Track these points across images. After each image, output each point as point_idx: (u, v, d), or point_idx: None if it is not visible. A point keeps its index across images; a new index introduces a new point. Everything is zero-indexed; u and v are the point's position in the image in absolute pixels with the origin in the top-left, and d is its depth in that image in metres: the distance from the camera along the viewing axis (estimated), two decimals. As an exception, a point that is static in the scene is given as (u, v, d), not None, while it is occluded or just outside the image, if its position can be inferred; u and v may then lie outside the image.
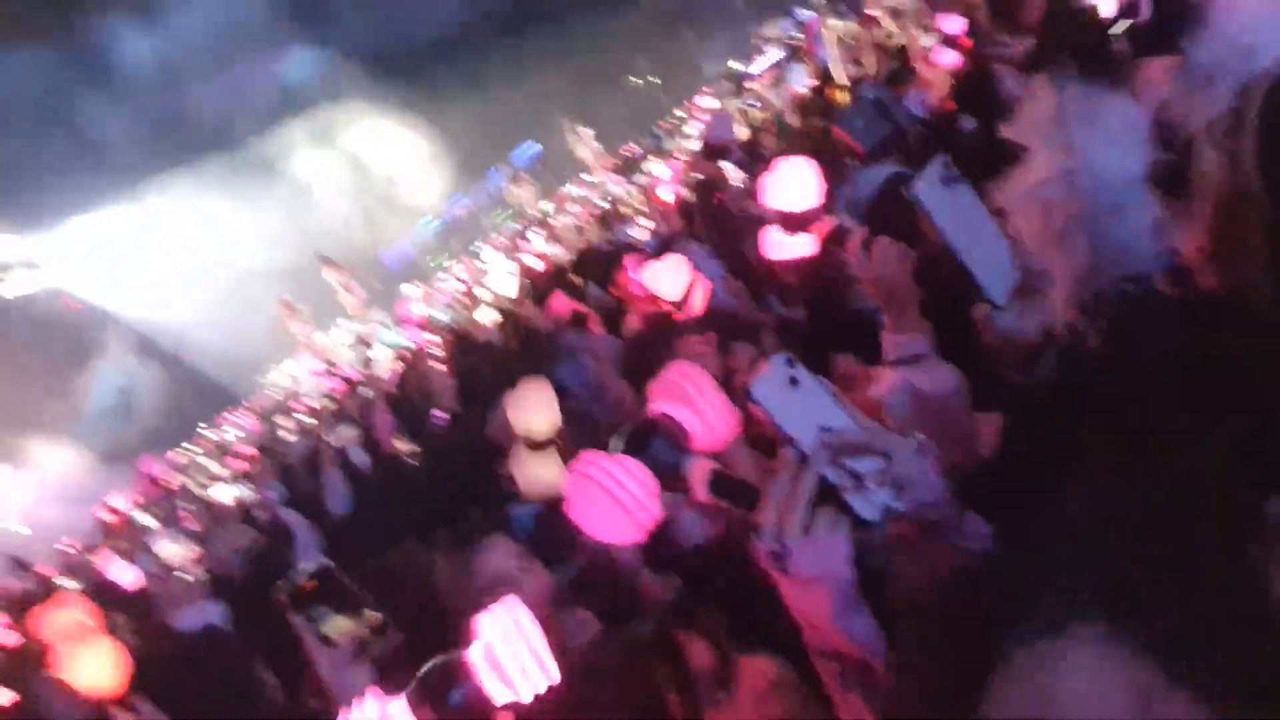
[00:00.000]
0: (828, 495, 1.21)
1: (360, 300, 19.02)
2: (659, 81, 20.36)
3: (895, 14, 8.08)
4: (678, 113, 18.25)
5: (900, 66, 6.11)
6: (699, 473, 1.33)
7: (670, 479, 1.35)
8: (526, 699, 1.42)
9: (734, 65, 16.53)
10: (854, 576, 1.24)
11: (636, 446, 1.37)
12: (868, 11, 9.18)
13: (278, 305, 18.92)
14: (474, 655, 1.41)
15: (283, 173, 24.45)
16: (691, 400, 1.34)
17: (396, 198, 25.00)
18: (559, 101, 21.26)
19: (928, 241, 1.66)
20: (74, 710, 2.95)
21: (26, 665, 3.73)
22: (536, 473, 2.62)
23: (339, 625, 2.24)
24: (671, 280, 3.32)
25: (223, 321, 21.80)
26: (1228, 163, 1.42)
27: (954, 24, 4.72)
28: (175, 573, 3.24)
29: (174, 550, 3.21)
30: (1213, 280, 1.73)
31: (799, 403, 1.25)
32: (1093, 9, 2.44)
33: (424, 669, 2.08)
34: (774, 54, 13.27)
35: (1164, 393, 1.58)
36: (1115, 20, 2.40)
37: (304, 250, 20.82)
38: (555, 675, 1.43)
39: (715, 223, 4.72)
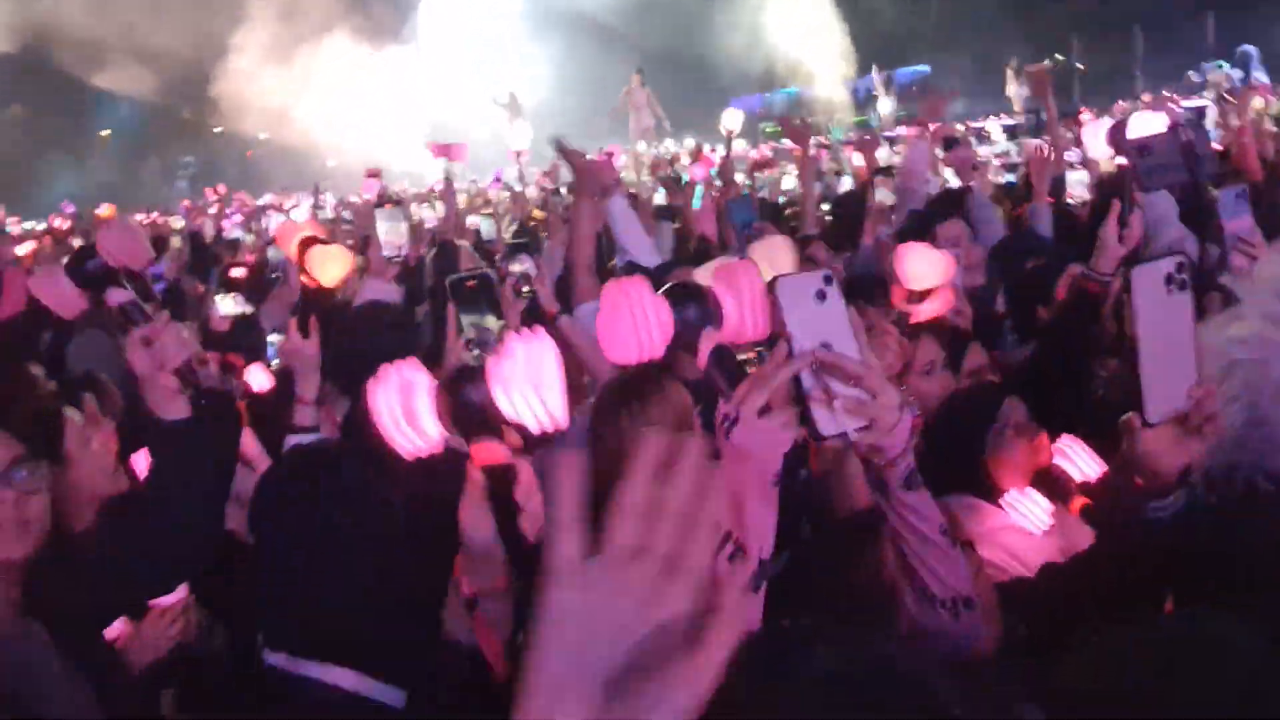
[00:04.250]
0: (800, 399, 1.30)
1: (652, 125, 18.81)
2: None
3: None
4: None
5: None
6: (706, 341, 1.45)
7: (682, 336, 1.48)
8: (532, 428, 1.56)
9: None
10: (778, 474, 1.34)
11: (674, 298, 1.50)
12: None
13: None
14: (495, 365, 1.56)
15: None
16: (741, 294, 1.45)
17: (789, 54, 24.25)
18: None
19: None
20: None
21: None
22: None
23: (488, 322, 2.60)
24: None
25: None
26: None
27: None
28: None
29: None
30: None
31: (816, 314, 1.31)
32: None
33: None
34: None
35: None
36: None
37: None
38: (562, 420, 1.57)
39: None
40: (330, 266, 3.77)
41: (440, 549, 1.66)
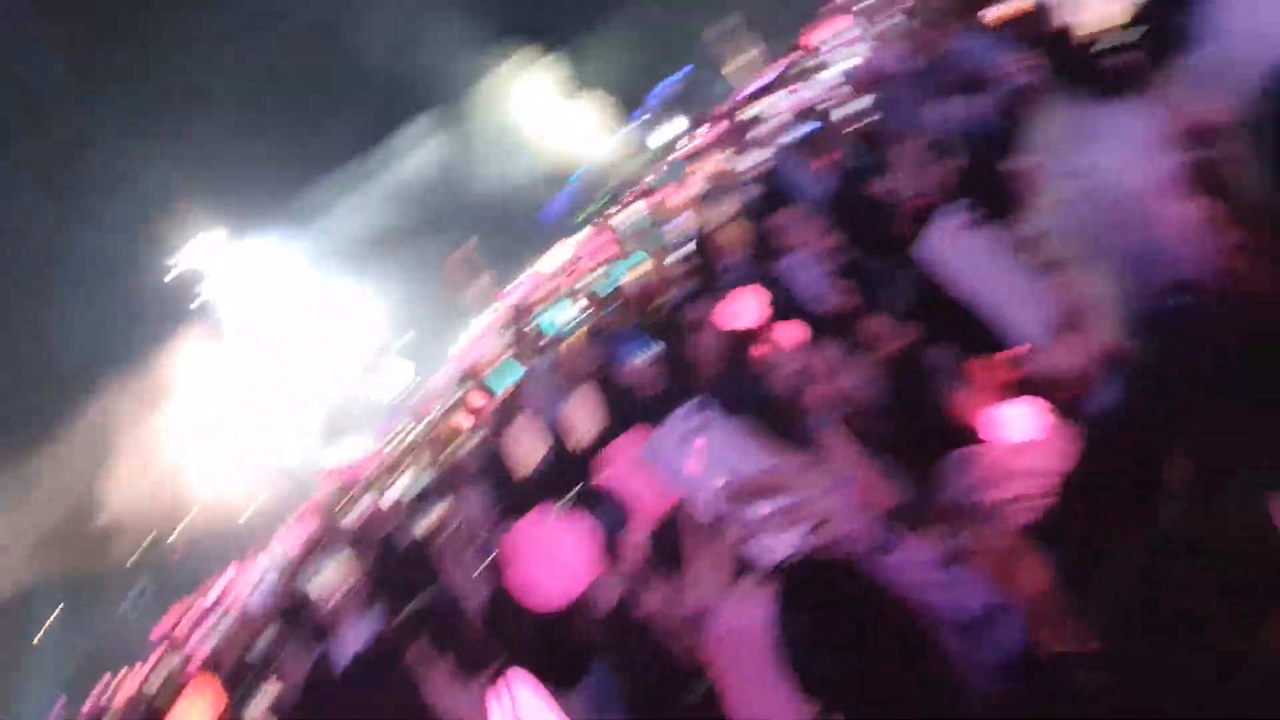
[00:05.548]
0: (735, 540, 1.23)
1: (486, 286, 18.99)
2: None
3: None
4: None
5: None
6: (634, 539, 1.38)
7: (609, 543, 1.41)
8: None
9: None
10: (769, 638, 1.25)
11: (584, 508, 1.43)
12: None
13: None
14: None
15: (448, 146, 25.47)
16: (633, 473, 1.38)
17: (548, 153, 25.41)
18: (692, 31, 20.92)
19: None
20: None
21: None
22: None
23: None
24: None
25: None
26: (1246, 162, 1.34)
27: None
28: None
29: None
30: (1259, 275, 1.63)
31: (705, 448, 1.26)
32: (1085, 26, 2.22)
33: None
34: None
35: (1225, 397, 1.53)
36: (1111, 33, 2.16)
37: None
38: None
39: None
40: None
41: None
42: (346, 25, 23.90)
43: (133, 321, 21.44)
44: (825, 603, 1.81)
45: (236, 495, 21.11)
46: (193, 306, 22.71)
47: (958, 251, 1.47)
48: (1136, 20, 1.59)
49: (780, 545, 1.23)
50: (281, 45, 23.80)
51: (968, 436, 2.39)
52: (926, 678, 1.45)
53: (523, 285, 16.90)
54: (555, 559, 1.38)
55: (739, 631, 1.24)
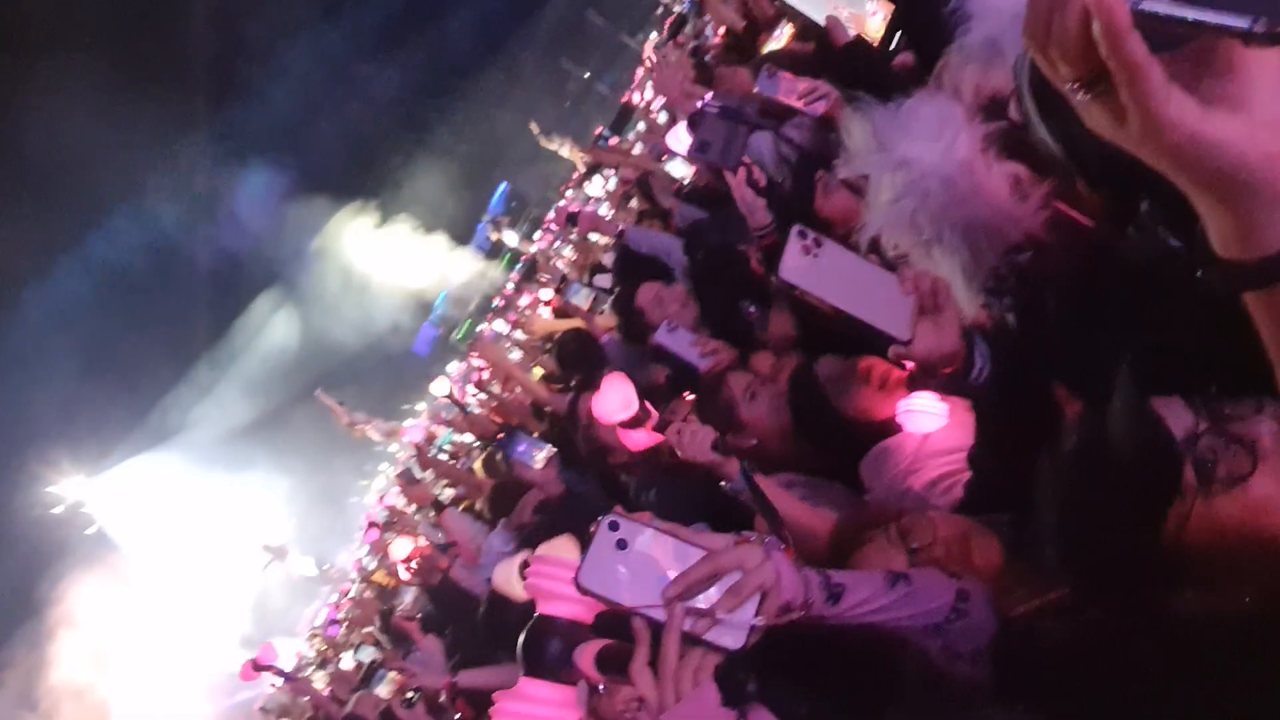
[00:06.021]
0: (690, 643, 1.20)
1: (389, 427, 18.78)
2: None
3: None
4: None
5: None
6: (586, 659, 1.32)
7: (568, 674, 1.33)
8: None
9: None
10: (734, 716, 1.22)
11: (533, 660, 1.35)
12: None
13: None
14: None
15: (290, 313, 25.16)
16: (558, 592, 1.32)
17: (402, 292, 25.35)
18: (508, 138, 21.56)
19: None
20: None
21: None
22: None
23: None
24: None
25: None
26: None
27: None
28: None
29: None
30: (1088, 215, 1.73)
31: (633, 563, 1.23)
32: (864, 38, 2.41)
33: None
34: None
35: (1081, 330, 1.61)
36: (889, 37, 2.35)
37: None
38: None
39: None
40: None
41: None
42: (159, 231, 23.55)
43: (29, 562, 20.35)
44: (795, 657, 1.79)
45: None
46: (87, 532, 21.54)
47: (812, 268, 1.50)
48: (898, 24, 1.69)
49: (736, 628, 1.21)
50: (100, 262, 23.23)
51: (878, 434, 2.43)
52: (916, 689, 1.45)
53: (420, 419, 16.62)
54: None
55: None
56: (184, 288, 24.52)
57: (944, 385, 1.61)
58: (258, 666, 5.09)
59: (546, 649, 1.35)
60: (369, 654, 7.44)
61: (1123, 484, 1.10)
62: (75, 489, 21.85)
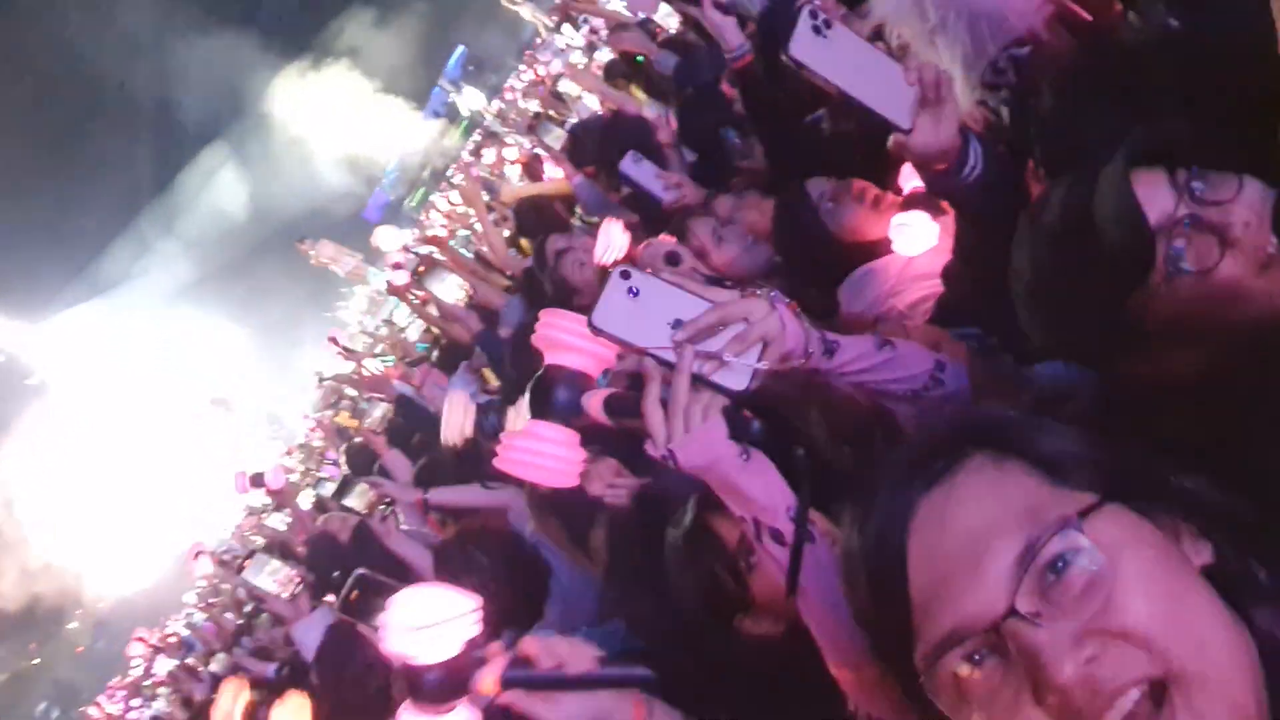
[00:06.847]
0: (697, 383, 1.28)
1: (356, 263, 18.76)
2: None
3: None
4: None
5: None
6: (594, 404, 1.39)
7: (578, 419, 1.42)
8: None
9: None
10: (741, 449, 1.31)
11: (541, 404, 1.43)
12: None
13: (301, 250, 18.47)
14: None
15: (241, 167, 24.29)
16: (567, 342, 1.38)
17: (353, 156, 24.54)
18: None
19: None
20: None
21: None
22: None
23: None
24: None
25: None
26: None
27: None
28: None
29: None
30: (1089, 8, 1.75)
31: (643, 310, 1.29)
32: None
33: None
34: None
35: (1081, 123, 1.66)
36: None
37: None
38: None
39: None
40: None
41: None
42: (100, 69, 22.18)
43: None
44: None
45: (125, 570, 19.96)
46: (28, 382, 21.15)
47: (821, 49, 1.50)
48: None
49: (741, 371, 1.29)
50: (34, 101, 21.96)
51: (864, 257, 2.49)
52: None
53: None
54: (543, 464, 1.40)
55: (707, 460, 1.30)
56: (124, 137, 23.43)
57: (935, 181, 1.65)
58: (257, 483, 5.18)
59: (554, 395, 1.42)
60: (330, 489, 7.60)
61: (1095, 258, 1.17)
62: (13, 337, 21.34)
